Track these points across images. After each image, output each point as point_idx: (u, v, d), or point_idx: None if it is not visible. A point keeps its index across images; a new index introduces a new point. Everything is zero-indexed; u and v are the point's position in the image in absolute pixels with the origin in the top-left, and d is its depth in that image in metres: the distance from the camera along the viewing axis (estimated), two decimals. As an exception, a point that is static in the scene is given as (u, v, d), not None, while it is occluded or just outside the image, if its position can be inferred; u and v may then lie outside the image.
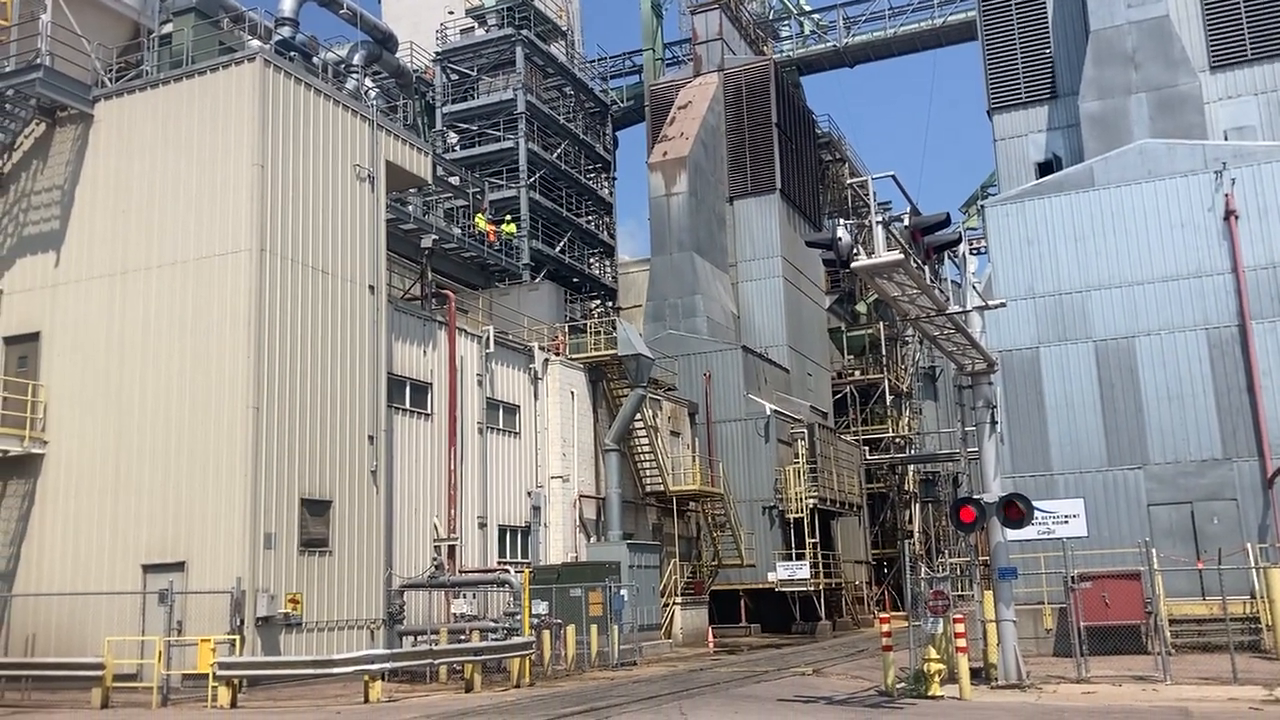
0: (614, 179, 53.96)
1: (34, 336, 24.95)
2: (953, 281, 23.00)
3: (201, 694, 19.22)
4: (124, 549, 22.83)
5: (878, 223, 14.95)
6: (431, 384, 29.21)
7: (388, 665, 19.82)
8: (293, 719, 16.93)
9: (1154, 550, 21.07)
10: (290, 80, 24.58)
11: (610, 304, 50.59)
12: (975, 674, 18.74)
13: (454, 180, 40.99)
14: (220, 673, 18.84)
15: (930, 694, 17.66)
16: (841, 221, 15.32)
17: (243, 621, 21.03)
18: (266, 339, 22.95)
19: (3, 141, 25.55)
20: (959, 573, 27.03)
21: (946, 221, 16.32)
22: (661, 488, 37.83)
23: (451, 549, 27.63)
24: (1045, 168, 33.17)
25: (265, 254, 23.18)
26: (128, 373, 23.67)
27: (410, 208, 36.38)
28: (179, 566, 22.09)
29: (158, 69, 25.93)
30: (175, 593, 20.40)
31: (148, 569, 22.39)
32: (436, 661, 21.15)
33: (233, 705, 18.69)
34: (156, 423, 23.14)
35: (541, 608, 25.27)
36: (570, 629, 25.72)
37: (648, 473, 37.79)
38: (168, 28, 27.94)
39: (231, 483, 22.15)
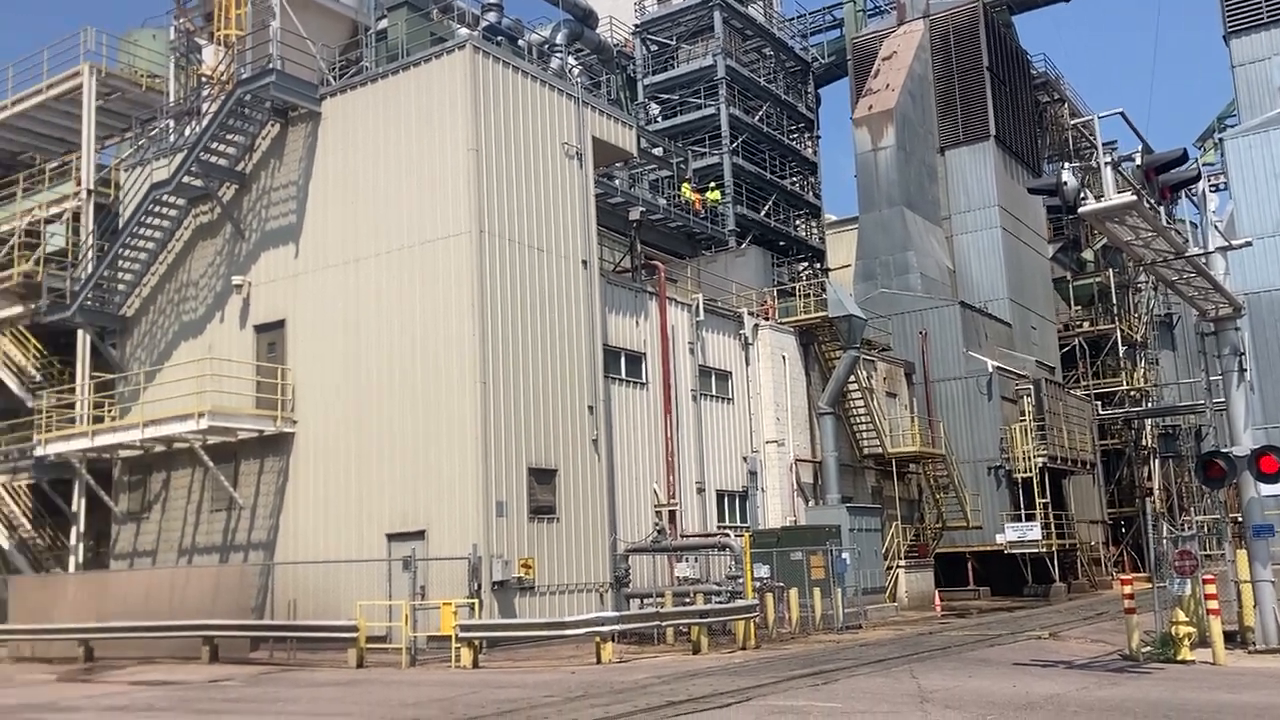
0: (818, 138, 53.00)
1: (280, 324, 26.84)
2: (1190, 222, 21.45)
3: (445, 654, 20.36)
4: (369, 519, 24.37)
5: (1106, 164, 14.13)
6: (645, 354, 29.66)
7: (617, 627, 20.41)
8: (532, 678, 17.68)
9: None
10: (499, 65, 25.34)
11: (819, 265, 49.87)
12: (1229, 638, 17.57)
13: (658, 151, 41.29)
14: (462, 635, 19.90)
15: (1179, 658, 16.71)
16: (1065, 165, 14.53)
17: (480, 586, 22.08)
18: (489, 317, 23.87)
19: (243, 144, 27.52)
20: (1206, 531, 25.42)
21: (1183, 158, 15.25)
22: (879, 450, 37.16)
23: (672, 514, 28.07)
24: (1292, 92, 30.39)
25: (484, 235, 24.08)
26: (364, 354, 25.15)
27: (617, 181, 36.92)
28: (419, 535, 23.40)
29: (375, 64, 27.25)
30: (417, 560, 21.63)
31: (391, 537, 23.82)
32: (663, 624, 21.61)
33: (475, 665, 19.70)
34: (392, 400, 24.51)
35: (763, 571, 25.37)
36: (793, 592, 25.72)
37: (864, 435, 37.20)
38: (383, 23, 29.30)
39: (464, 454, 23.23)
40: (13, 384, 33.54)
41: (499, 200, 24.67)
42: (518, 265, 24.88)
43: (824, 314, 35.49)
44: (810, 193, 51.77)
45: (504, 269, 24.47)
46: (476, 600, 21.60)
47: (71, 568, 29.43)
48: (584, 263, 26.78)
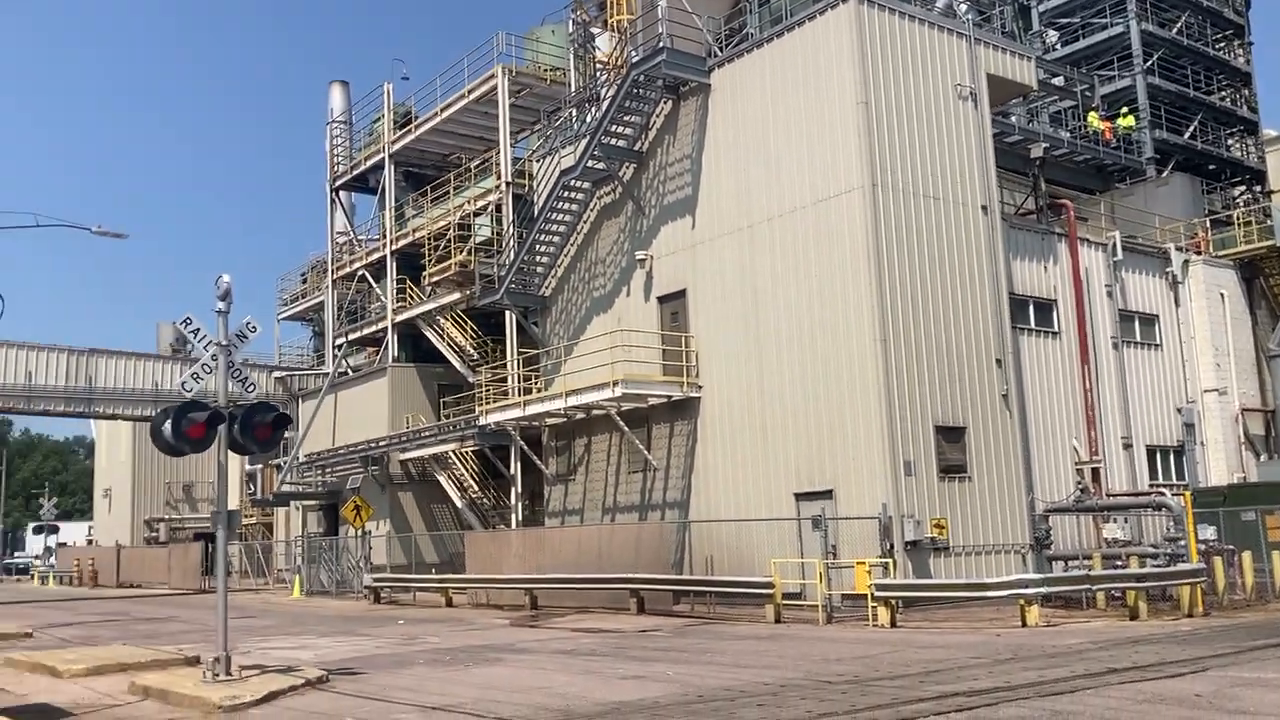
0: (1250, 44, 46.84)
1: (681, 294, 27.88)
2: None
3: (860, 613, 20.27)
4: (776, 479, 24.77)
5: None
6: (1056, 300, 27.77)
7: (1042, 590, 19.32)
8: (954, 639, 17.17)
9: None
10: (883, 13, 24.59)
11: (1259, 188, 44.16)
12: None
13: (1058, 81, 38.33)
14: (879, 594, 19.72)
15: None
16: None
17: (892, 546, 21.75)
18: (886, 272, 23.36)
19: (639, 124, 28.77)
20: None
21: None
22: (1345, 394, 32.45)
23: (1095, 471, 26.18)
24: None
25: (877, 189, 23.55)
26: (762, 318, 25.52)
27: (1013, 119, 34.71)
28: (827, 494, 23.44)
29: (760, 29, 27.39)
30: (827, 519, 21.68)
31: (799, 497, 24.06)
32: (1094, 587, 20.19)
33: (892, 625, 19.46)
34: (792, 362, 24.69)
35: (1208, 533, 22.97)
36: (1246, 556, 23.06)
37: (1325, 378, 32.61)
38: (764, -12, 29.38)
39: (868, 413, 22.95)
40: (456, 362, 37.50)
41: (891, 152, 24.02)
42: (914, 217, 24.12)
43: (1270, 243, 31.45)
44: (1244, 107, 45.86)
45: (900, 221, 23.82)
46: (890, 560, 21.30)
47: (513, 524, 32.50)
48: (983, 208, 25.47)
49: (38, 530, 77.31)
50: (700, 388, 26.92)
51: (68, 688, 14.63)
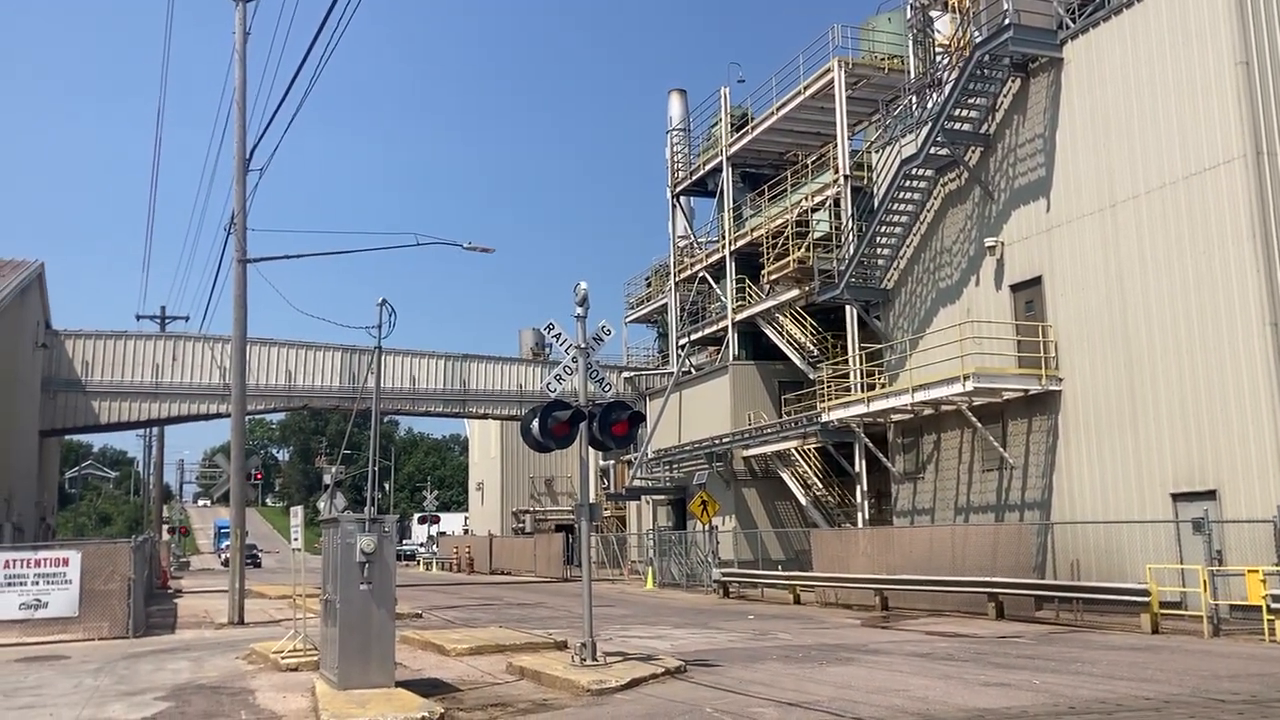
0: None
1: (1035, 281, 26.36)
2: None
3: (1253, 626, 18.29)
4: (1148, 478, 22.85)
5: None
6: None
7: None
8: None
9: None
10: (1265, -42, 22.06)
11: None
12: None
13: None
14: (1275, 605, 17.67)
15: None
16: None
17: (1290, 553, 19.42)
18: (1275, 249, 20.94)
19: (984, 106, 27.53)
20: None
21: None
22: None
23: None
24: None
25: (1262, 157, 21.16)
26: (1129, 304, 23.64)
27: None
28: (1209, 495, 21.34)
29: (1117, -7, 25.39)
30: (1210, 522, 19.72)
31: (1177, 497, 22.08)
32: None
33: (1293, 642, 17.40)
34: (1165, 350, 22.69)
35: None
36: None
37: None
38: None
39: (1256, 407, 20.68)
40: (796, 358, 37.61)
41: (1276, 115, 21.48)
42: (1309, 185, 21.43)
43: None
44: None
45: (1291, 191, 21.25)
46: (1288, 569, 19.03)
47: (859, 523, 32.09)
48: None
49: (421, 520, 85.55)
50: (1060, 380, 25.35)
51: (453, 665, 16.02)
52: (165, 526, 63.18)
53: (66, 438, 56.85)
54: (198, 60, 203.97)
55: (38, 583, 20.99)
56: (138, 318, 51.38)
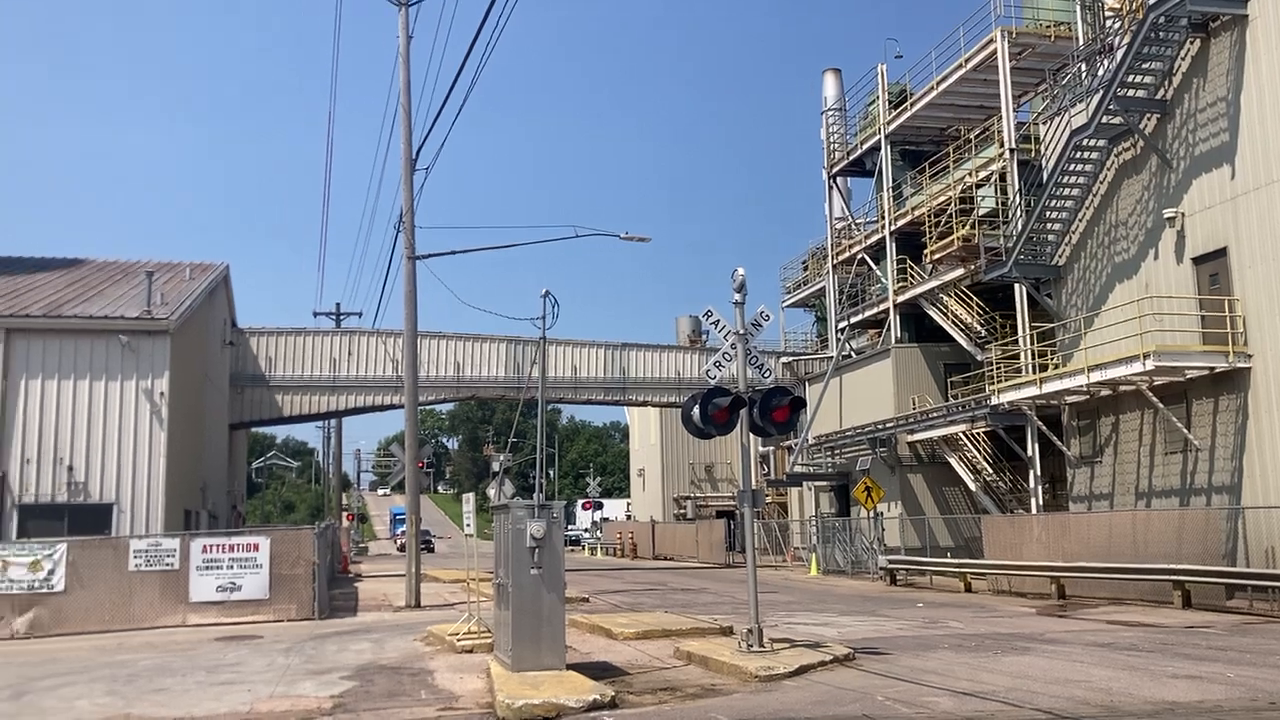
0: None
1: (1220, 253, 24.88)
2: None
3: None
4: (1354, 460, 21.30)
5: None
6: None
7: None
8: None
9: None
10: None
11: None
12: None
13: None
14: None
15: None
16: None
17: None
18: None
19: (1160, 70, 26.09)
20: None
21: None
22: None
23: None
24: None
25: None
26: (1328, 273, 22.06)
27: None
28: None
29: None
30: None
31: (1386, 481, 20.52)
32: None
33: None
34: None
35: None
36: None
37: None
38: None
39: None
40: (962, 340, 36.58)
41: None
42: None
43: None
44: None
45: None
46: None
47: (1032, 509, 30.99)
48: None
49: (585, 506, 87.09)
50: (1250, 357, 23.86)
51: (621, 648, 16.24)
52: (345, 513, 66.17)
53: (253, 430, 60.11)
54: (364, 63, 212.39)
55: (232, 567, 22.29)
56: (315, 314, 53.85)
